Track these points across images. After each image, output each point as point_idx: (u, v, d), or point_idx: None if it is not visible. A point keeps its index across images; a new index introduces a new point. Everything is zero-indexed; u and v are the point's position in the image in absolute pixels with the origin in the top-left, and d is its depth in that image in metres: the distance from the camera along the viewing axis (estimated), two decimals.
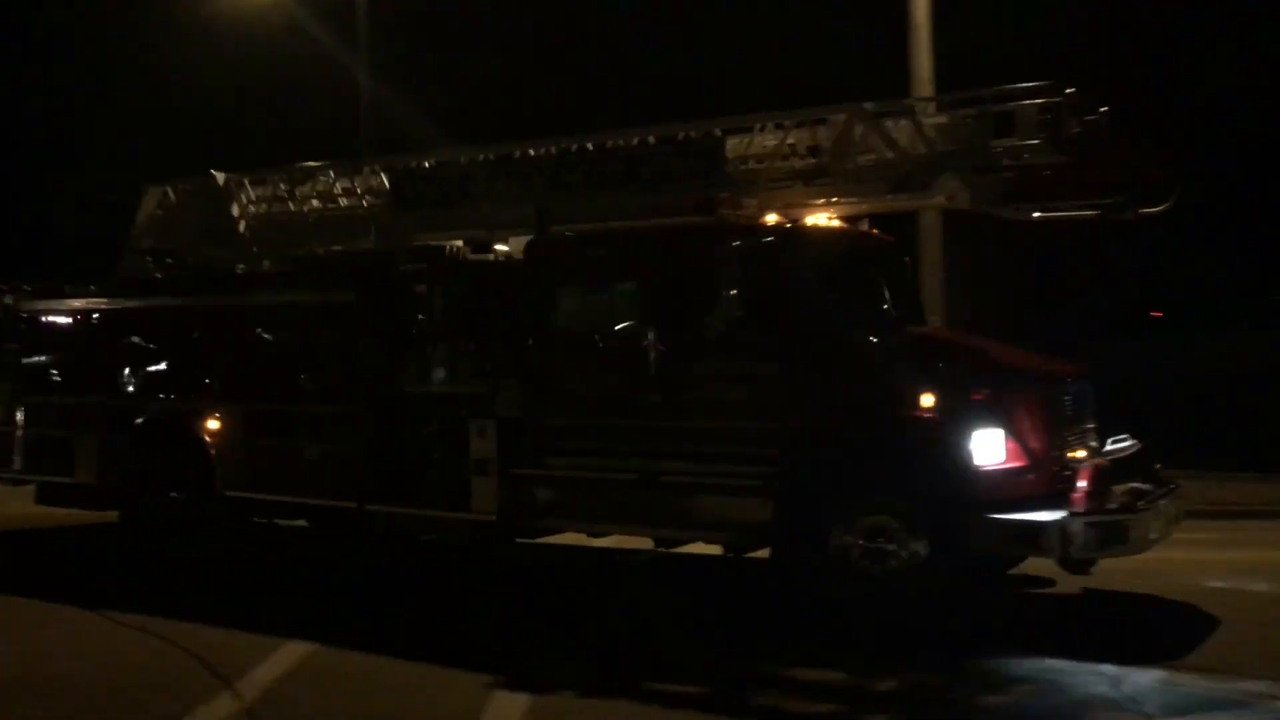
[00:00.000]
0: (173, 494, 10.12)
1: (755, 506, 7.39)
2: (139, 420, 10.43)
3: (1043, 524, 6.74)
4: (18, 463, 11.28)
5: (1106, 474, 7.04)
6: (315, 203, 10.55)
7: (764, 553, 7.59)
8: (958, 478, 6.84)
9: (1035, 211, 8.18)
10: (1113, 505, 6.99)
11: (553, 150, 9.30)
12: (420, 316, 9.19)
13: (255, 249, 10.79)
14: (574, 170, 9.09)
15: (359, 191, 10.24)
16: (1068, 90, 7.69)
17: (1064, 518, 6.71)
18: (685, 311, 7.86)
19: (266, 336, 10.10)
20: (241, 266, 10.90)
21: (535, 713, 5.76)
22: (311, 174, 10.65)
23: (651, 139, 8.81)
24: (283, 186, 10.70)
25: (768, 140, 8.66)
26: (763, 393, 7.58)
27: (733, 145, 8.55)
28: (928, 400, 7.03)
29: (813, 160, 8.44)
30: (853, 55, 18.02)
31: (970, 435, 6.87)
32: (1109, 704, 5.74)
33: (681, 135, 8.83)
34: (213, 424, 9.96)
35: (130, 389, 10.73)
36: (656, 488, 7.80)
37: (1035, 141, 7.74)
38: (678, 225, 8.09)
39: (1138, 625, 7.44)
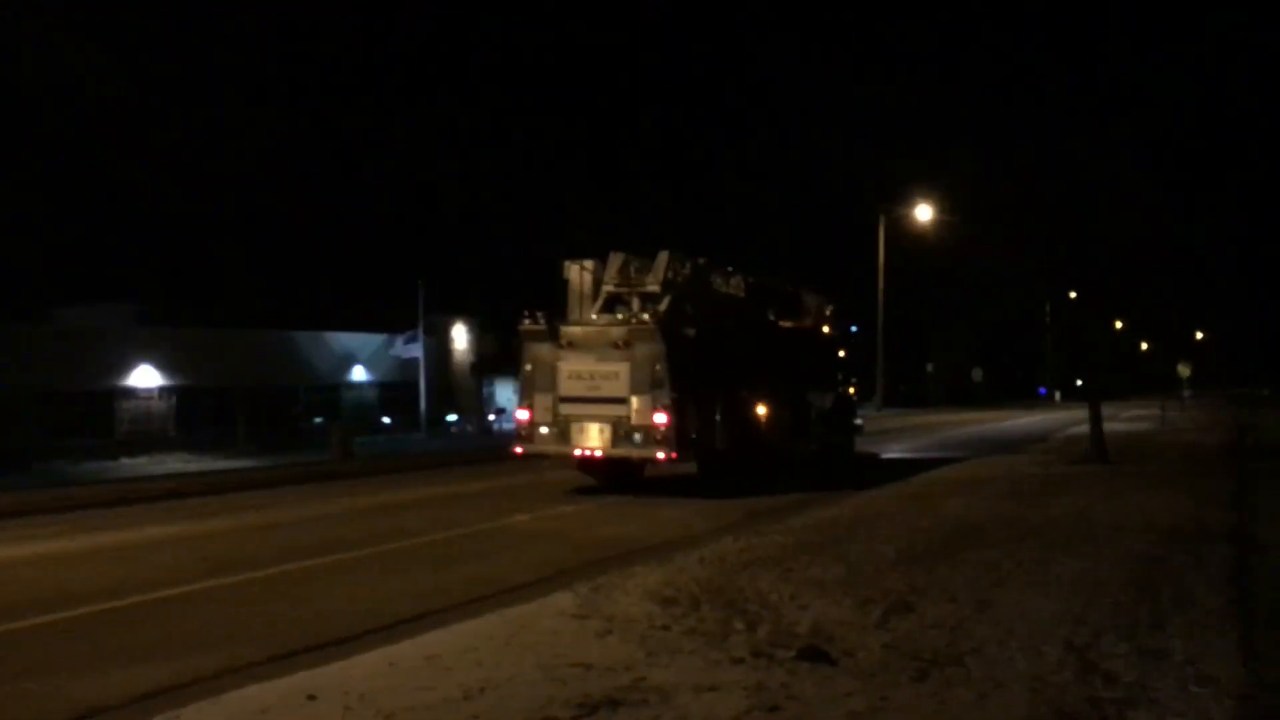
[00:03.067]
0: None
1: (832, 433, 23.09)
2: None
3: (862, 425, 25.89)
4: None
5: None
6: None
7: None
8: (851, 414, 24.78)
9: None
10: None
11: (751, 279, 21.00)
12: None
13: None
14: (772, 302, 21.81)
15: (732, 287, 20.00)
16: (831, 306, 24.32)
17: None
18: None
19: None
20: None
21: None
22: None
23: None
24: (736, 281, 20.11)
25: (807, 299, 23.13)
26: (839, 398, 23.69)
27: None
28: (853, 393, 25.16)
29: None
30: None
31: (850, 408, 24.85)
32: None
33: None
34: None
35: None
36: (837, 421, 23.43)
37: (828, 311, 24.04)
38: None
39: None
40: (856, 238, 53.22)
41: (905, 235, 51.72)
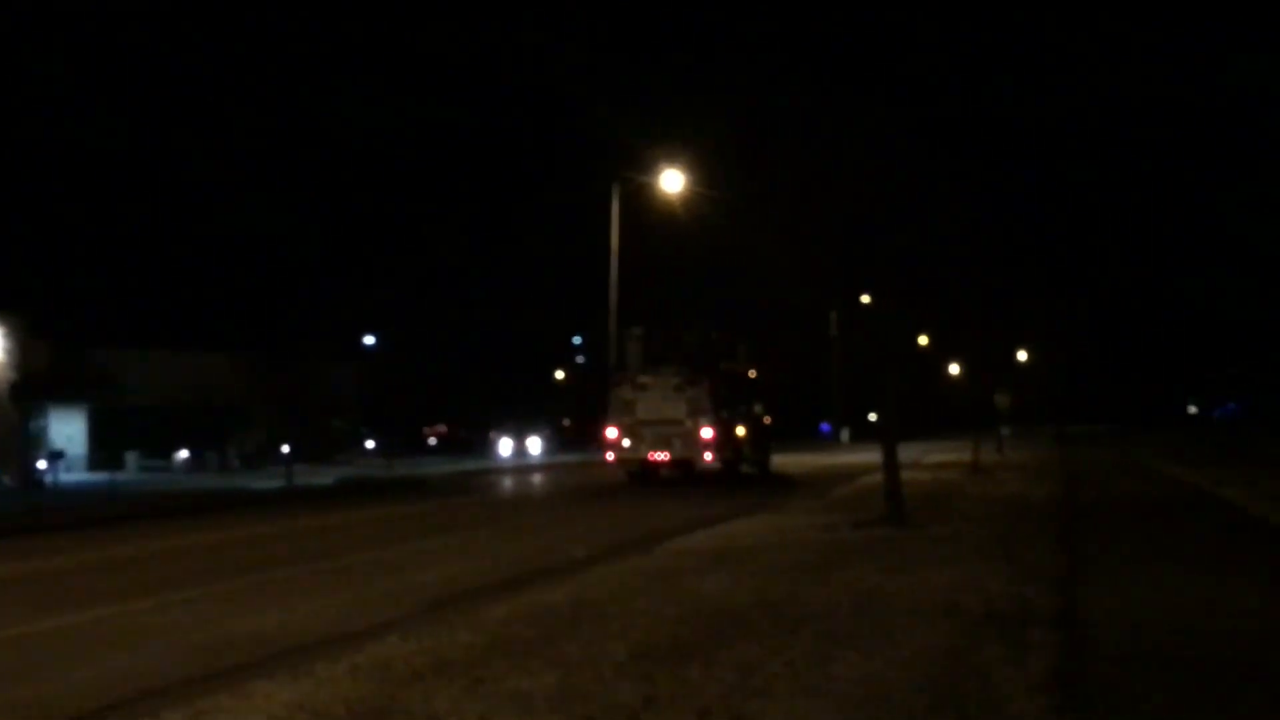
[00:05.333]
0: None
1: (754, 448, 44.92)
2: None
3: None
4: None
5: None
6: None
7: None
8: (769, 437, 47.09)
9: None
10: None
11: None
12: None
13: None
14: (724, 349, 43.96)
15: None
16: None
17: None
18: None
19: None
20: None
21: None
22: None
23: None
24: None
25: (739, 345, 45.42)
26: (758, 424, 44.63)
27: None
28: (768, 421, 47.07)
29: None
30: None
31: (769, 433, 47.39)
32: None
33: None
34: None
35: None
36: (761, 443, 45.56)
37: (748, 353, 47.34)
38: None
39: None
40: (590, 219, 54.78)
41: (650, 220, 53.11)
